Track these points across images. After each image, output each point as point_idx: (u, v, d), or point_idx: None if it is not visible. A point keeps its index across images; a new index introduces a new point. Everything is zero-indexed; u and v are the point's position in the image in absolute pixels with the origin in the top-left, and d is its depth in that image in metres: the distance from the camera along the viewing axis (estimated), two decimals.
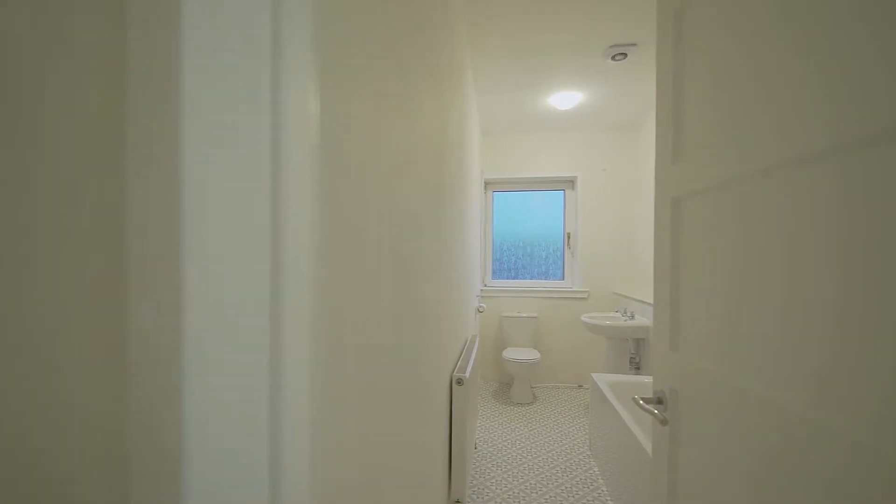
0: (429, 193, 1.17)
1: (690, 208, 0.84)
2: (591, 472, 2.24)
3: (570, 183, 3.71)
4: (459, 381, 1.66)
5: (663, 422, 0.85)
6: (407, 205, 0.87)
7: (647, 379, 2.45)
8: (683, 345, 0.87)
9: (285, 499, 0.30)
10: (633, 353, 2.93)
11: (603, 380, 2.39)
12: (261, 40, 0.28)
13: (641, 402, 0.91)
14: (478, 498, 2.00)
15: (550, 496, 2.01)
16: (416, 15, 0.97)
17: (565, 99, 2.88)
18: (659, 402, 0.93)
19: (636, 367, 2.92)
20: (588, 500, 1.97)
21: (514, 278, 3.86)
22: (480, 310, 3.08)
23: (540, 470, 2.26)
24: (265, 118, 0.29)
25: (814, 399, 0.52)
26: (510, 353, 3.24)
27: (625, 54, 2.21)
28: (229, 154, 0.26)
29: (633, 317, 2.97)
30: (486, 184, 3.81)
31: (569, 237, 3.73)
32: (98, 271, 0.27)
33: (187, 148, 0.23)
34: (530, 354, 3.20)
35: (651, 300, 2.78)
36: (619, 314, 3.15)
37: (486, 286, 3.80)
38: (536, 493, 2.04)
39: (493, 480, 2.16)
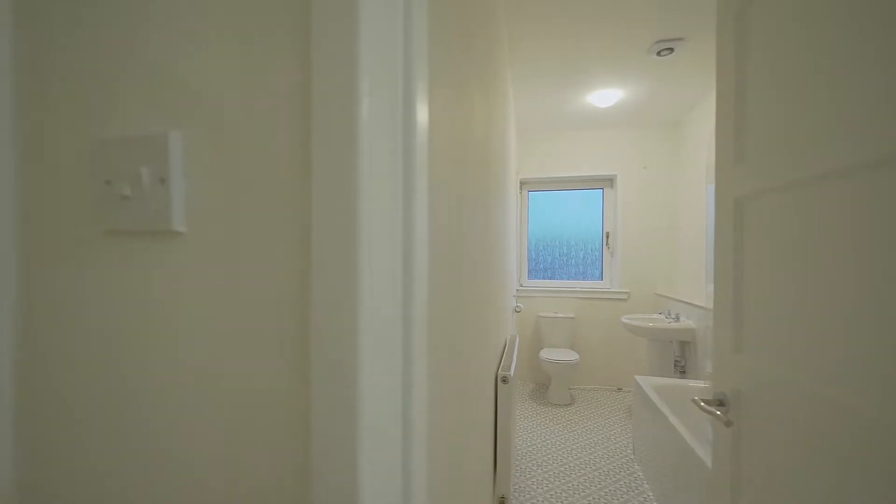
0: (478, 194, 1.21)
1: (755, 209, 0.83)
2: (635, 476, 2.20)
3: (609, 181, 3.63)
4: (504, 380, 1.68)
5: (727, 423, 0.85)
6: (464, 204, 0.92)
7: (695, 383, 2.38)
8: (748, 346, 0.85)
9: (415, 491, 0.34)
10: (678, 356, 2.84)
11: (647, 383, 2.33)
12: (396, 72, 0.33)
13: (702, 403, 0.90)
14: (520, 496, 2.02)
15: (594, 498, 2.00)
16: (471, 22, 1.01)
17: (605, 97, 2.83)
18: (720, 403, 0.92)
19: (681, 371, 2.83)
20: None
21: (550, 278, 3.83)
22: (517, 310, 3.09)
23: (582, 471, 2.25)
24: (399, 126, 0.34)
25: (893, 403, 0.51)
26: (548, 354, 3.22)
27: (671, 49, 2.15)
28: (381, 159, 0.31)
29: (677, 319, 2.87)
30: (522, 183, 3.81)
31: (607, 236, 3.66)
32: (290, 272, 0.32)
33: (362, 156, 0.28)
34: (569, 355, 3.16)
35: (697, 302, 2.69)
36: (662, 316, 3.06)
37: (521, 286, 3.80)
38: (580, 493, 2.03)
39: (535, 480, 2.17)
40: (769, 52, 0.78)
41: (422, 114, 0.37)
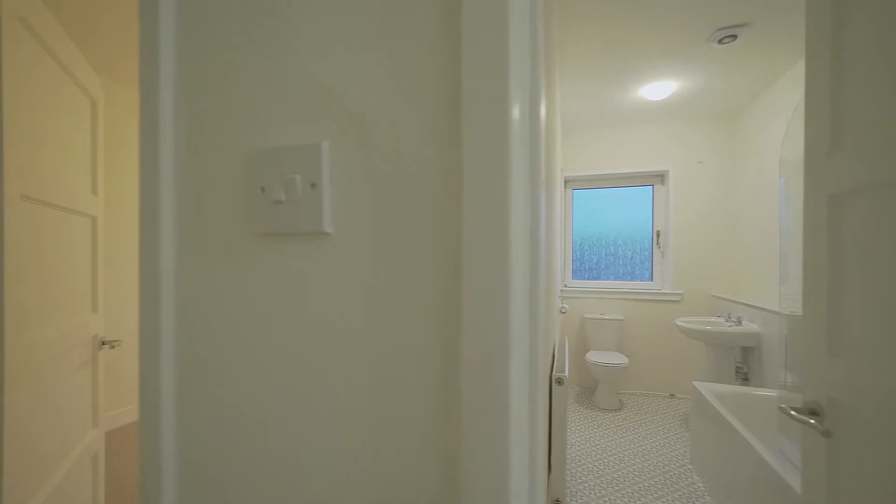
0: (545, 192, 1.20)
1: (858, 203, 0.77)
2: (694, 487, 2.10)
3: (661, 177, 3.48)
4: (560, 381, 1.66)
5: (826, 434, 0.79)
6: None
7: (763, 391, 2.23)
8: (846, 352, 0.79)
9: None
10: (740, 362, 2.67)
11: (707, 389, 2.21)
12: (525, 74, 0.34)
13: (793, 412, 0.85)
14: (573, 501, 1.99)
15: None
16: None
17: (657, 89, 2.71)
18: (813, 412, 0.86)
19: (743, 378, 2.66)
20: None
21: (595, 279, 3.72)
22: (563, 310, 3.03)
23: (636, 479, 2.17)
24: (527, 127, 0.34)
25: None
26: (595, 356, 3.14)
27: (734, 36, 2.03)
28: (519, 159, 0.32)
29: (739, 322, 2.70)
30: (566, 181, 3.73)
31: (658, 235, 3.50)
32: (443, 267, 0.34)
33: (513, 157, 0.29)
34: (618, 358, 3.06)
35: (764, 304, 2.52)
36: (721, 319, 2.89)
37: (565, 287, 3.72)
38: (636, 502, 1.96)
39: (588, 486, 2.12)
40: (879, 25, 0.72)
41: (542, 114, 0.38)
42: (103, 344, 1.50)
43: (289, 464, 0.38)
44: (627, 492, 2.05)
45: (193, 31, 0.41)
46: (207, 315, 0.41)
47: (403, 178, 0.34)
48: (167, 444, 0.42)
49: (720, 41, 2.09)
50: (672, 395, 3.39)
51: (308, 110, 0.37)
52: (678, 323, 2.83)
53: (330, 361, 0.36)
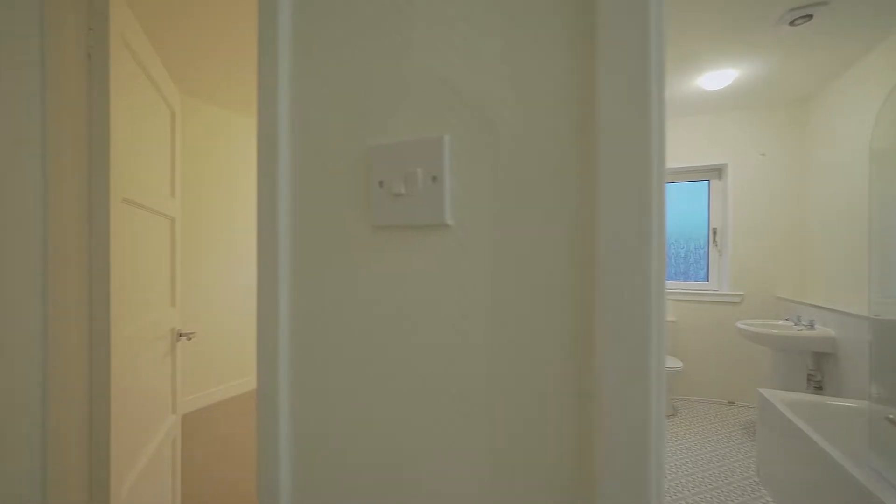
0: None
1: None
2: (763, 501, 1.96)
3: (718, 172, 3.27)
4: None
5: None
6: None
7: (839, 401, 2.04)
8: None
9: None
10: (812, 369, 2.46)
11: (776, 397, 2.06)
12: (651, 62, 0.33)
13: None
14: None
15: None
16: None
17: (717, 78, 2.55)
18: None
19: (816, 386, 2.45)
20: None
21: None
22: None
23: (697, 489, 2.06)
24: (655, 114, 0.33)
25: None
26: None
27: (810, 16, 1.87)
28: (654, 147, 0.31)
29: (811, 326, 2.49)
30: None
31: (714, 233, 3.30)
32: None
33: (654, 145, 0.28)
34: (671, 362, 2.92)
35: (838, 307, 2.31)
36: (789, 322, 2.67)
37: None
38: None
39: None
40: None
41: (666, 102, 0.37)
42: (180, 336, 1.62)
43: (401, 464, 0.39)
44: (688, 503, 1.95)
45: (312, 25, 0.43)
46: (323, 307, 0.43)
47: (528, 171, 0.34)
48: (284, 439, 0.44)
49: (791, 23, 1.93)
50: (731, 403, 3.18)
51: (429, 104, 0.38)
52: (740, 326, 2.65)
53: (447, 350, 0.37)
